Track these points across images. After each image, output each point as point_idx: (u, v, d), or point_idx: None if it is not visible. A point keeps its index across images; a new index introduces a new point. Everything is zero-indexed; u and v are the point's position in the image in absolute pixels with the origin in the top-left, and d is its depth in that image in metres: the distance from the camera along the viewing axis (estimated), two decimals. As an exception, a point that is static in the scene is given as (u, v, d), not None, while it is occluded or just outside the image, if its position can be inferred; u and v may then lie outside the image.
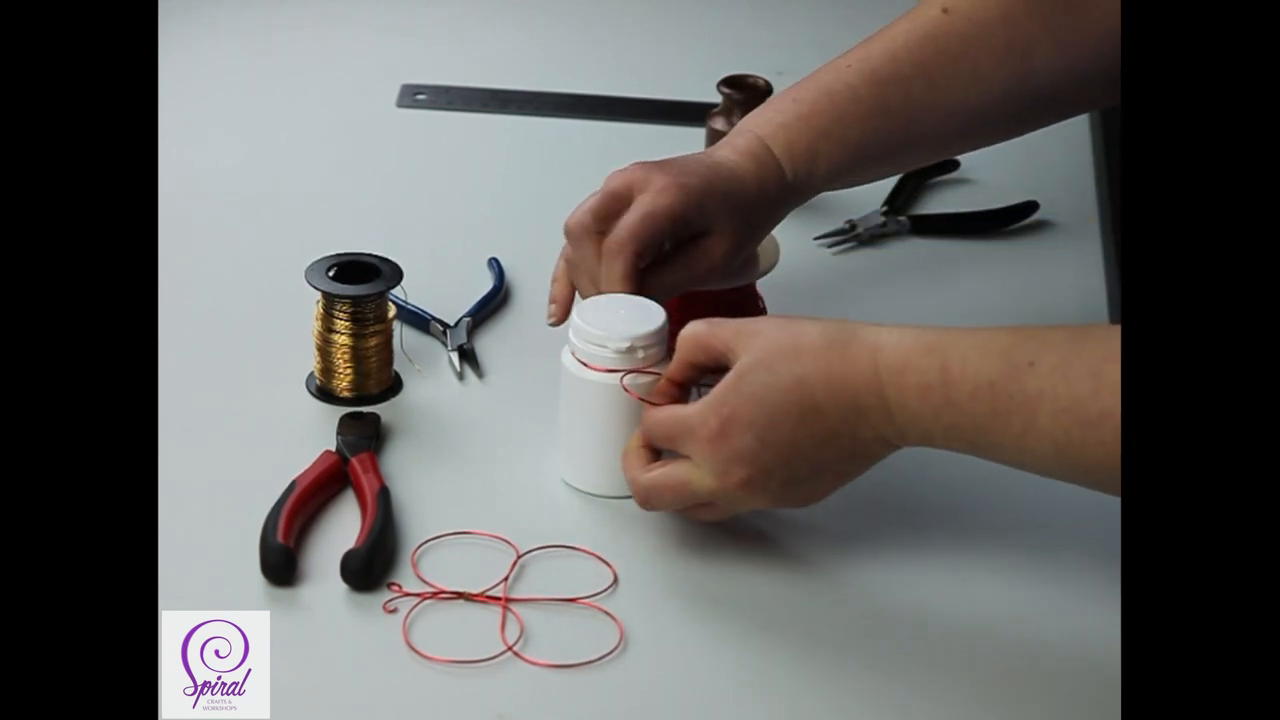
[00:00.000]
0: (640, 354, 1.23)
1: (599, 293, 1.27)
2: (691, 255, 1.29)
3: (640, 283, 1.27)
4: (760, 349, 1.16)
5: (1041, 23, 1.32)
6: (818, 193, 1.36)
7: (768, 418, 1.15)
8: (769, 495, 1.17)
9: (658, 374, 1.23)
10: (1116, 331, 1.07)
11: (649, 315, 1.24)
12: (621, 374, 1.23)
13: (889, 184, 1.59)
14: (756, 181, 1.31)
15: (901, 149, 1.37)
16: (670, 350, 1.23)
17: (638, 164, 1.31)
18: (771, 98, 1.38)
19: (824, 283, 1.48)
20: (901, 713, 1.12)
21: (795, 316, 1.19)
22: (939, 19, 1.35)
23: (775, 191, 1.32)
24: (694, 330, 1.20)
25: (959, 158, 1.62)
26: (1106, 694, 1.09)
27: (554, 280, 1.33)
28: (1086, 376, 1.08)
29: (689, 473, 1.18)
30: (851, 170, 1.36)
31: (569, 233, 1.29)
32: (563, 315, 1.32)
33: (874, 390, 1.14)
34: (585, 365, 1.24)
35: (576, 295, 1.30)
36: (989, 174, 1.63)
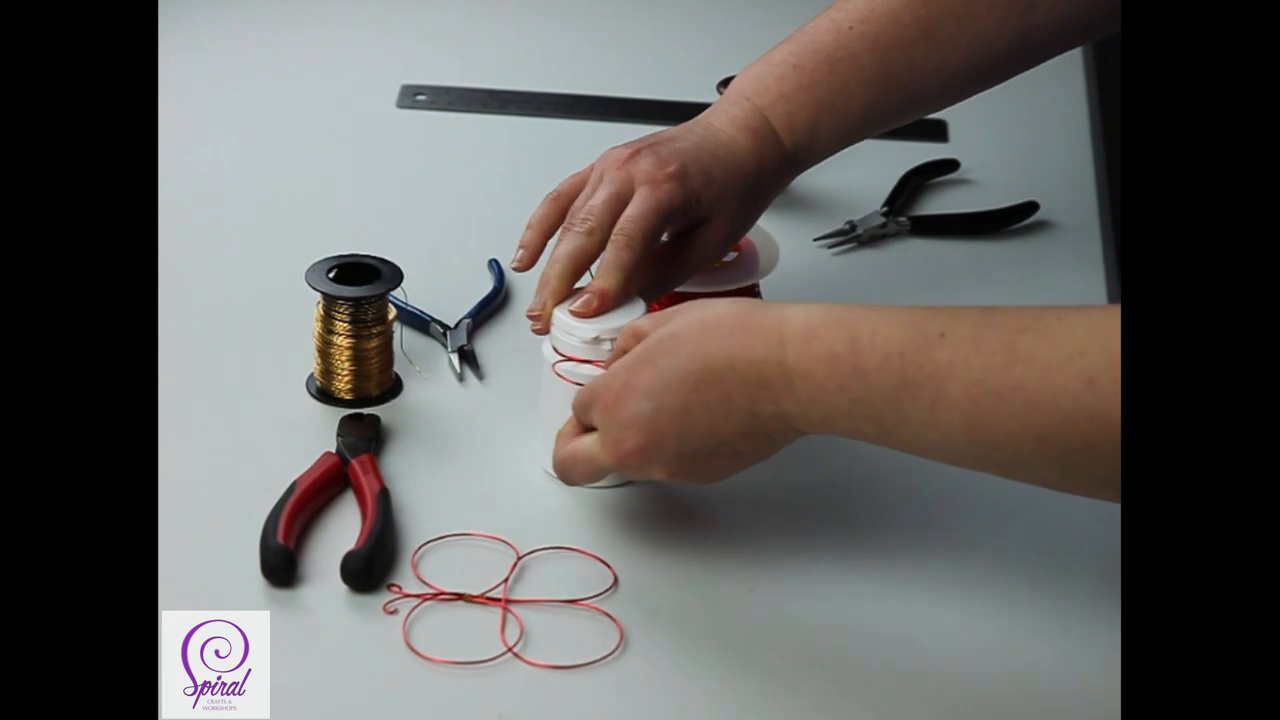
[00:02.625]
0: (607, 345, 1.23)
1: (577, 284, 1.26)
2: (690, 245, 1.29)
3: (641, 278, 1.27)
4: (672, 323, 1.16)
5: None
6: (818, 162, 1.35)
7: (664, 384, 1.14)
8: (663, 465, 1.16)
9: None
10: (1029, 310, 1.07)
11: (629, 309, 1.24)
12: (554, 364, 1.24)
13: (889, 184, 1.59)
14: (755, 159, 1.31)
15: (901, 114, 1.37)
16: None
17: (628, 149, 1.29)
18: (768, 54, 1.35)
19: (824, 283, 1.48)
20: (902, 713, 1.12)
21: (718, 298, 1.18)
22: None
23: (774, 167, 1.32)
24: (634, 321, 1.21)
25: (959, 159, 1.62)
26: (1107, 696, 1.09)
27: (528, 227, 1.31)
28: (998, 348, 1.06)
29: (591, 444, 1.18)
30: (850, 139, 1.35)
31: (580, 230, 1.28)
32: (529, 262, 1.30)
33: (776, 359, 1.12)
34: (558, 353, 1.24)
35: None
36: (989, 174, 1.63)
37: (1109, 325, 1.02)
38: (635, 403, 1.15)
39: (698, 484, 1.20)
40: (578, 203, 1.29)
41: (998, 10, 1.33)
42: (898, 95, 1.34)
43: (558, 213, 1.30)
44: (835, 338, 1.11)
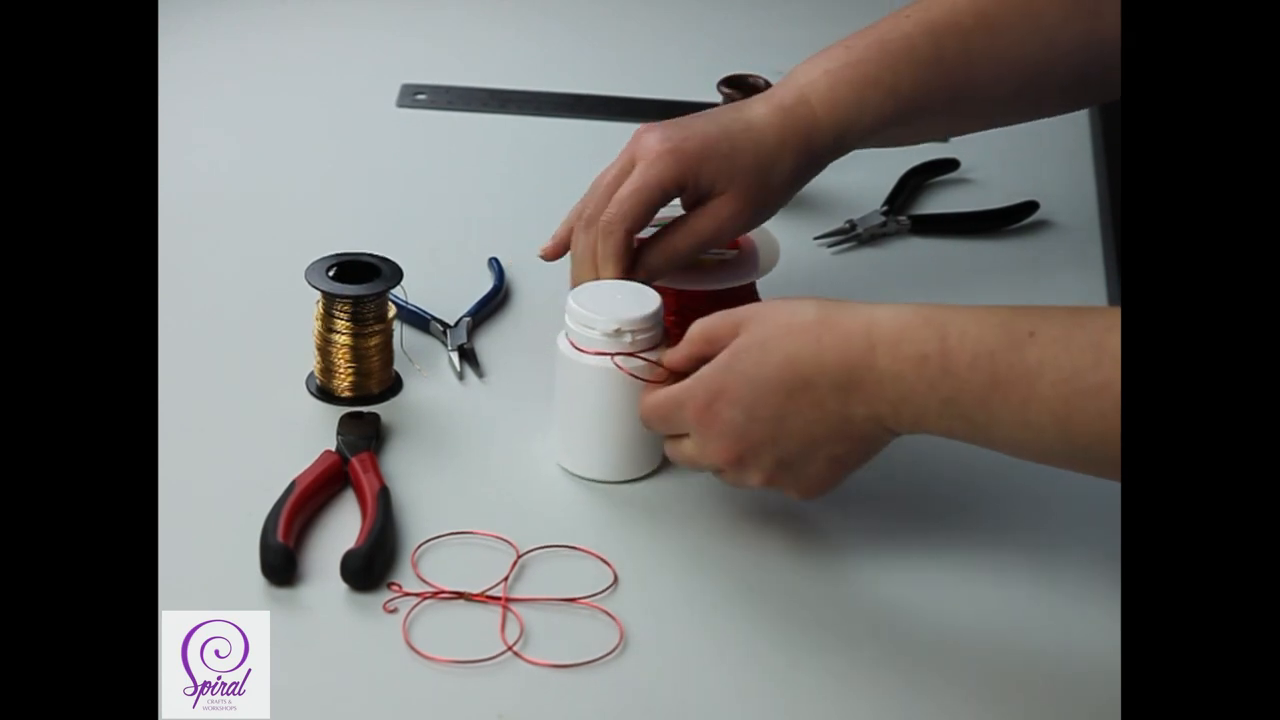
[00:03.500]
0: (629, 338, 1.23)
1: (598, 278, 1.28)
2: (697, 219, 1.29)
3: (643, 254, 1.27)
4: (757, 329, 1.16)
5: None
6: (863, 144, 1.33)
7: (755, 393, 1.15)
8: (762, 473, 1.17)
9: (650, 360, 1.23)
10: (1115, 310, 1.07)
11: (643, 300, 1.24)
12: (612, 355, 1.23)
13: (889, 184, 1.59)
14: (775, 136, 1.30)
15: (955, 103, 1.33)
16: (665, 336, 1.24)
17: (645, 127, 1.30)
18: (828, 46, 1.35)
19: (824, 283, 1.48)
20: (902, 713, 1.12)
21: (797, 297, 1.18)
22: None
23: (801, 141, 1.30)
24: (704, 323, 1.19)
25: (959, 158, 1.62)
26: (1106, 695, 1.09)
27: (564, 223, 1.33)
28: (1088, 347, 1.07)
29: (691, 448, 1.19)
30: (899, 121, 1.32)
31: (580, 225, 1.29)
32: (555, 252, 1.33)
33: (867, 362, 1.12)
34: (578, 349, 1.24)
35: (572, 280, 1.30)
36: (989, 174, 1.63)
37: None
38: (727, 412, 1.16)
39: (802, 497, 1.19)
40: (586, 194, 1.30)
41: (1061, 7, 1.31)
42: (951, 78, 1.32)
43: None
44: (925, 338, 1.11)
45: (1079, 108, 1.46)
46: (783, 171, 1.30)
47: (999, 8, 1.32)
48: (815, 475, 1.17)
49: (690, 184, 1.28)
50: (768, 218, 1.33)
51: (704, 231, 1.29)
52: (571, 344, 1.25)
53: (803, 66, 1.33)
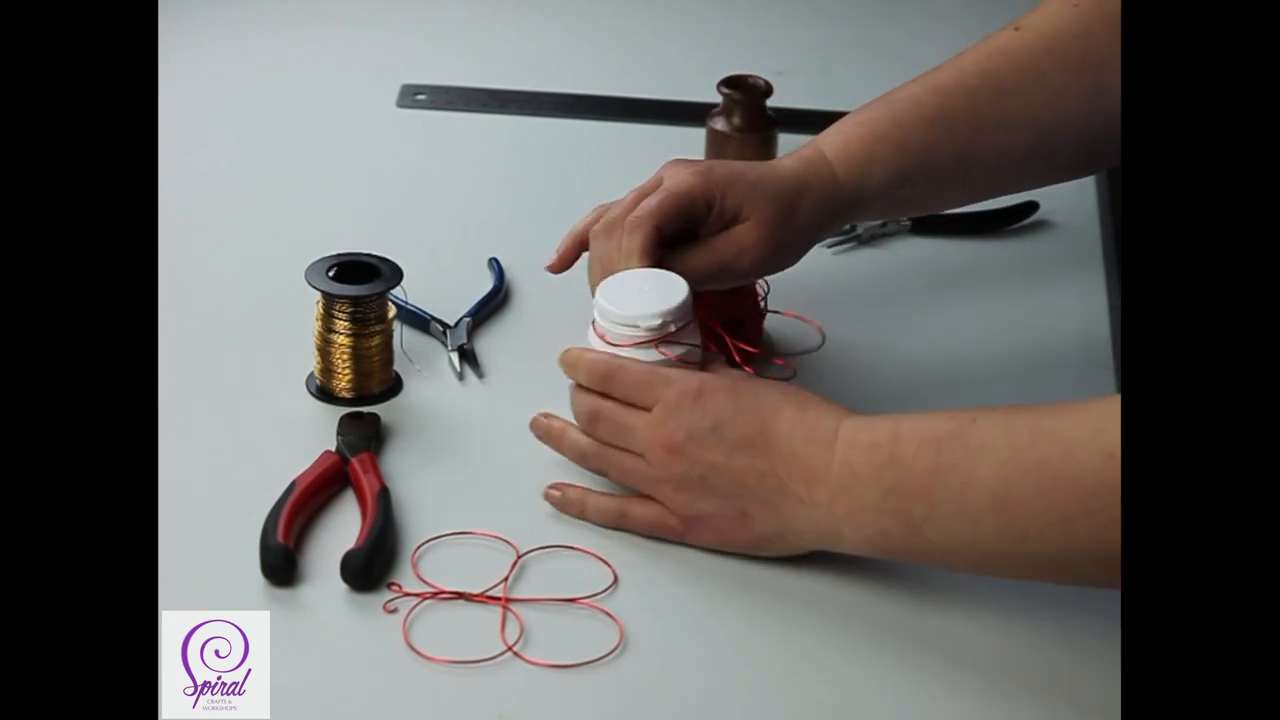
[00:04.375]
0: (672, 327, 1.23)
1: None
2: (720, 240, 1.30)
3: (664, 266, 1.27)
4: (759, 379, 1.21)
5: (1118, 41, 1.26)
6: (878, 202, 1.34)
7: (733, 415, 1.18)
8: (681, 481, 1.19)
9: (689, 343, 1.24)
10: (1058, 403, 1.10)
11: (671, 287, 1.25)
12: (654, 343, 1.23)
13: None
14: (798, 178, 1.31)
15: (965, 162, 1.35)
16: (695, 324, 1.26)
17: (672, 160, 1.33)
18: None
19: (824, 283, 1.48)
20: (902, 713, 1.12)
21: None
22: (1009, 35, 1.34)
23: (821, 189, 1.32)
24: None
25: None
26: (1106, 696, 1.09)
27: (568, 233, 1.35)
28: (1025, 429, 1.09)
29: (630, 416, 1.21)
30: (912, 179, 1.34)
31: (600, 231, 1.29)
32: (562, 266, 1.35)
33: (827, 441, 1.15)
34: (613, 344, 1.24)
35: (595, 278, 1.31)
36: (989, 174, 1.63)
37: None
38: (703, 413, 1.18)
39: (678, 535, 1.21)
40: (610, 205, 1.31)
41: (1067, 68, 1.32)
42: (958, 134, 1.33)
43: (597, 222, 1.33)
44: (878, 429, 1.14)
45: (1093, 170, 1.47)
46: (805, 212, 1.31)
47: (1005, 69, 1.33)
48: (715, 519, 1.19)
49: (716, 203, 1.29)
50: (790, 261, 1.33)
51: (725, 253, 1.30)
52: (604, 338, 1.25)
53: (819, 136, 1.35)
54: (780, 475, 1.16)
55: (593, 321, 1.26)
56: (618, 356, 1.23)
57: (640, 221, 1.27)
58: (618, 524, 1.22)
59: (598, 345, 1.25)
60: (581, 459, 1.25)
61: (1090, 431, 1.06)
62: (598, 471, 1.24)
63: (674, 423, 1.19)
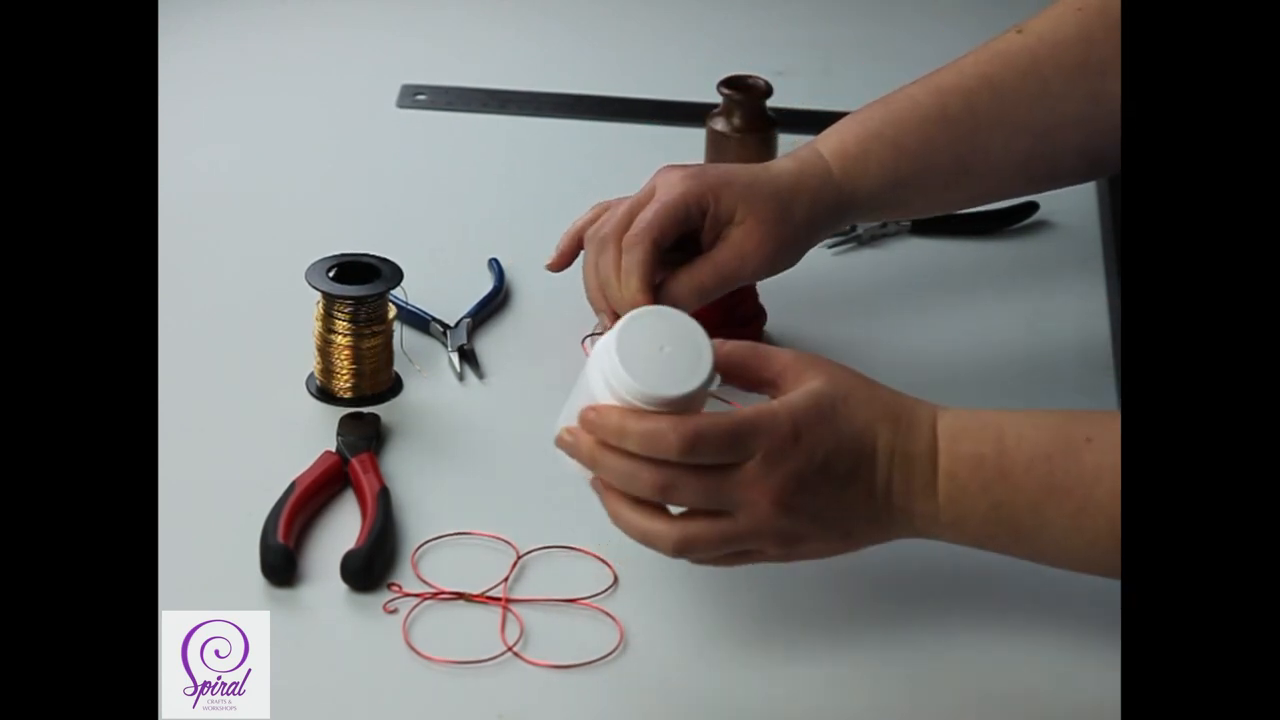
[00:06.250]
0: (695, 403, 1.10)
1: (608, 304, 1.26)
2: (719, 252, 1.29)
3: (667, 290, 1.27)
4: (838, 384, 1.10)
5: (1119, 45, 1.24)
6: (875, 201, 1.34)
7: (838, 444, 1.09)
8: (789, 527, 1.09)
9: (720, 398, 1.15)
10: None
11: (694, 343, 1.11)
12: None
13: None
14: (793, 177, 1.31)
15: (964, 164, 1.34)
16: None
17: (665, 166, 1.31)
18: None
19: (824, 283, 1.48)
20: (902, 713, 1.12)
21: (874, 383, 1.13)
22: (1010, 38, 1.34)
23: (817, 187, 1.31)
24: (741, 352, 1.13)
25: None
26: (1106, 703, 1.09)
27: (566, 233, 1.34)
28: None
29: (726, 478, 1.08)
30: (909, 179, 1.33)
31: (593, 243, 1.29)
32: (561, 264, 1.34)
33: (929, 452, 1.10)
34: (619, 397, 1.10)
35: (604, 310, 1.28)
36: (989, 174, 1.63)
37: None
38: (808, 455, 1.08)
39: (788, 559, 1.13)
40: (602, 216, 1.31)
41: (1067, 72, 1.31)
42: (956, 135, 1.32)
43: (595, 219, 1.33)
44: (982, 439, 1.10)
45: (1095, 177, 1.47)
46: (801, 211, 1.31)
47: (1004, 73, 1.32)
48: (822, 543, 1.12)
49: (711, 207, 1.28)
50: (790, 261, 1.33)
51: (728, 264, 1.29)
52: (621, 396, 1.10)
53: (820, 134, 1.34)
54: (884, 493, 1.10)
55: (587, 338, 1.22)
56: (681, 416, 1.08)
57: (637, 239, 1.26)
58: (679, 555, 1.11)
59: (596, 377, 1.11)
60: (651, 541, 1.11)
61: None
62: (675, 554, 1.11)
63: (779, 474, 1.08)
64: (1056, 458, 1.08)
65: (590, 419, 1.10)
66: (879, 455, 1.10)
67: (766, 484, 1.08)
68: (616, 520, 1.11)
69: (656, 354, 1.10)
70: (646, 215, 1.27)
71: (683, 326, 1.11)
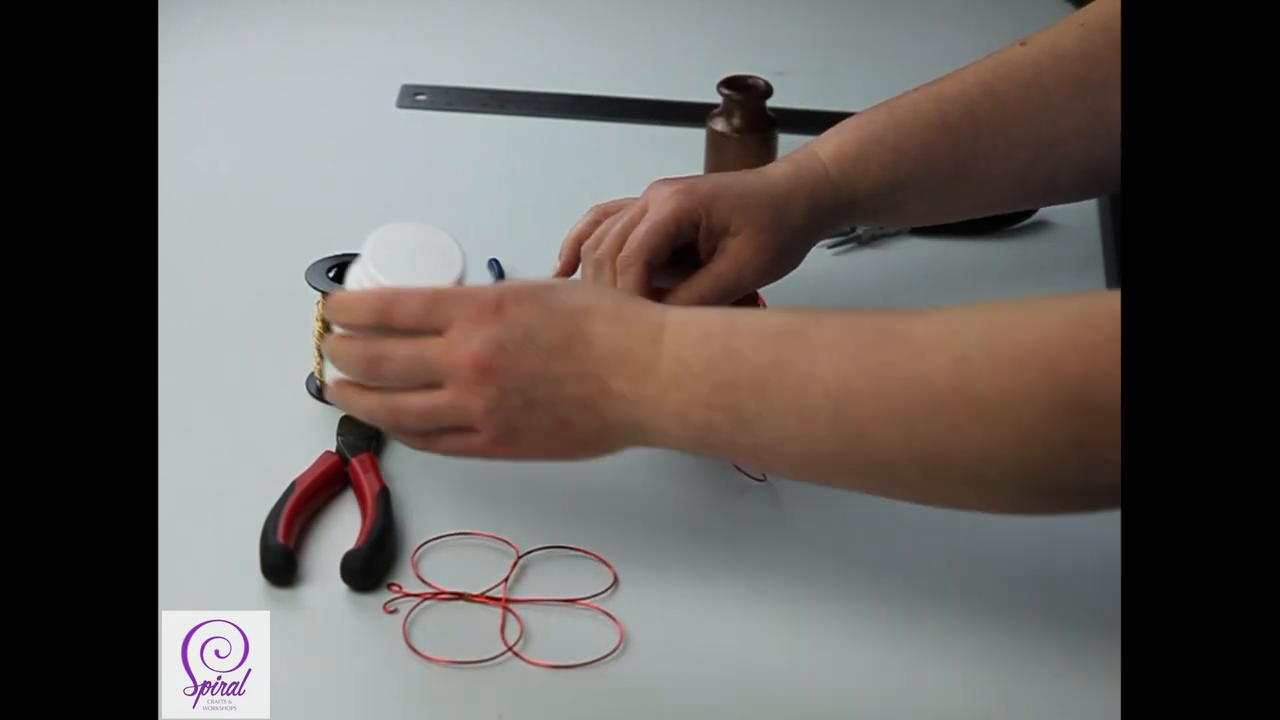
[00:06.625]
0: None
1: None
2: (717, 263, 1.29)
3: (667, 300, 1.27)
4: (564, 282, 1.17)
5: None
6: (872, 203, 1.34)
7: (544, 321, 1.11)
8: (494, 397, 1.11)
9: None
10: (907, 309, 1.07)
11: (443, 252, 1.20)
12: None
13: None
14: (788, 181, 1.31)
15: (964, 171, 1.34)
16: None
17: (656, 181, 1.31)
18: None
19: (824, 283, 1.48)
20: (904, 713, 1.12)
21: None
22: (1013, 50, 1.34)
23: (814, 189, 1.31)
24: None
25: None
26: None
27: (565, 241, 1.34)
28: (872, 330, 1.06)
29: (435, 343, 1.12)
30: (907, 183, 1.33)
31: (589, 265, 1.29)
32: (566, 273, 1.33)
33: (652, 336, 1.10)
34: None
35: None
36: (989, 174, 1.63)
37: (987, 308, 1.04)
38: (511, 323, 1.11)
39: (494, 456, 1.14)
40: (597, 233, 1.31)
41: (1068, 85, 1.32)
42: (956, 140, 1.33)
43: (594, 225, 1.33)
44: (713, 321, 1.11)
45: (1096, 193, 1.47)
46: (797, 214, 1.31)
47: (1006, 83, 1.33)
48: (533, 431, 1.12)
49: (704, 219, 1.28)
50: (790, 265, 1.33)
51: (726, 274, 1.29)
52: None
53: (818, 137, 1.34)
54: (600, 375, 1.10)
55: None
56: (391, 287, 1.15)
57: (630, 261, 1.27)
58: (425, 448, 1.16)
59: (355, 286, 1.20)
60: (371, 417, 1.17)
61: (944, 335, 1.04)
62: (392, 428, 1.17)
63: (479, 339, 1.10)
64: (785, 334, 1.08)
65: (325, 306, 1.17)
66: (595, 334, 1.11)
67: (466, 348, 1.11)
68: (339, 402, 1.18)
69: (406, 259, 1.19)
70: (638, 234, 1.28)
71: (434, 236, 1.21)
